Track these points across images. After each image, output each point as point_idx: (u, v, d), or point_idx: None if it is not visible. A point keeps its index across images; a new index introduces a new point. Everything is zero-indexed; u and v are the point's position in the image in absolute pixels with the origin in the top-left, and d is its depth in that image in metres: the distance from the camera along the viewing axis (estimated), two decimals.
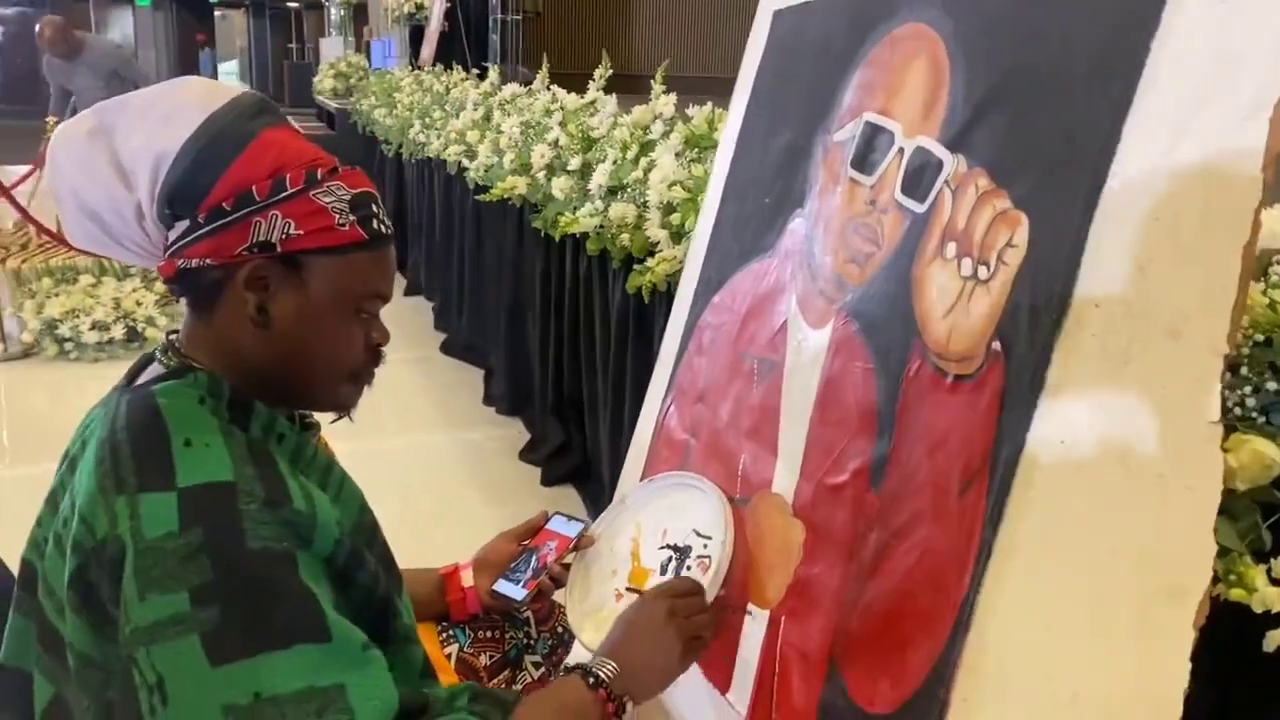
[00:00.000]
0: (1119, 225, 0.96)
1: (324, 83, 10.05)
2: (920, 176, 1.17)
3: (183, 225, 0.99)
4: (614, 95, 3.34)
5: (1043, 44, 1.06)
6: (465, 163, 4.20)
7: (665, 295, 2.44)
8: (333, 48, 12.53)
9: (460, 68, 5.98)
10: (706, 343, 1.54)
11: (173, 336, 1.08)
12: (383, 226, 1.05)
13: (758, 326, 1.41)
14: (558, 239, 3.22)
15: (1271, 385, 0.97)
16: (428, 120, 5.10)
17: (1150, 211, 0.94)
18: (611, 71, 3.44)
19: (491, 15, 7.57)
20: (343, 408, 1.10)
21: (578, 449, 3.49)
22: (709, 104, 2.62)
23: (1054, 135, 1.02)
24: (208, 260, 0.99)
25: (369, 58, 10.76)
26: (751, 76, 1.61)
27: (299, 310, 1.01)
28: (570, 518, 1.49)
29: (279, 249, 0.99)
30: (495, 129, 3.84)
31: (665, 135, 2.61)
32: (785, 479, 1.29)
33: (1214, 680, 0.92)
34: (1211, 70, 0.90)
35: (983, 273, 1.07)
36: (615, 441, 3.02)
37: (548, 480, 3.47)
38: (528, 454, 3.65)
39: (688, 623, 1.14)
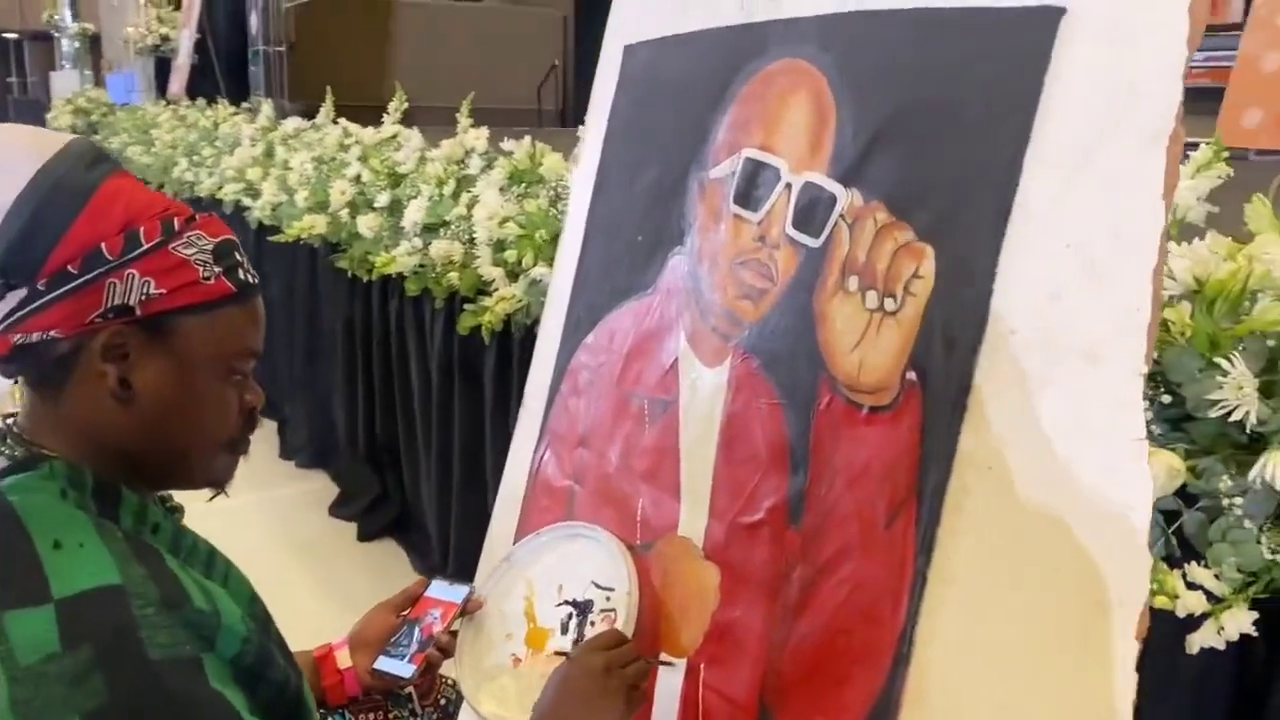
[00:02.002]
0: (1028, 254, 0.99)
1: (60, 120, 9.28)
2: (812, 211, 1.17)
3: (18, 295, 0.87)
4: (408, 127, 3.25)
5: (932, 80, 1.08)
6: (247, 201, 3.95)
7: (502, 335, 2.37)
8: (66, 82, 11.56)
9: (226, 102, 5.64)
10: (583, 384, 1.50)
11: (10, 421, 0.94)
12: (249, 276, 0.96)
13: (644, 366, 1.37)
14: (365, 280, 3.08)
15: (1165, 399, 1.03)
16: (196, 158, 4.77)
17: (1059, 240, 0.97)
18: (363, 103, 3.37)
19: (251, 47, 7.20)
20: (219, 483, 1.01)
21: (396, 499, 3.35)
22: (527, 138, 2.57)
23: (954, 168, 1.05)
24: (53, 332, 0.87)
25: (108, 92, 10.02)
26: (605, 113, 1.59)
27: (167, 378, 0.91)
28: (452, 582, 1.40)
29: (139, 312, 0.88)
30: (282, 165, 3.63)
31: (485, 169, 2.55)
32: (692, 521, 1.26)
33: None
34: (1107, 103, 0.95)
35: (890, 304, 1.08)
36: (443, 489, 2.91)
37: (365, 535, 3.31)
38: (339, 508, 3.47)
39: (624, 673, 1.10)
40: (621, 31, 1.61)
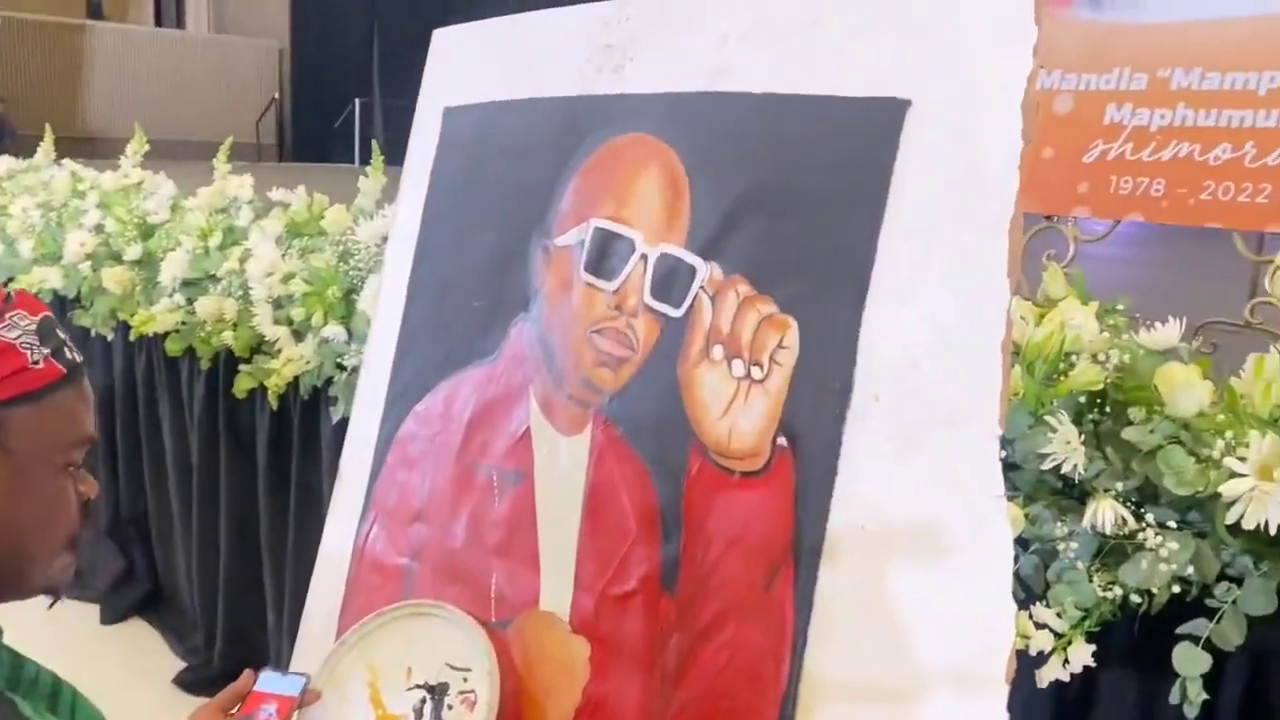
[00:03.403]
0: (888, 326, 1.06)
1: None
2: (671, 282, 1.20)
3: None
4: (108, 159, 3.02)
5: (787, 161, 1.14)
6: None
7: (289, 398, 2.24)
8: None
9: None
10: (415, 454, 1.44)
11: None
12: (75, 354, 0.88)
13: (490, 435, 1.34)
14: (108, 338, 2.82)
15: (1002, 454, 1.13)
16: None
17: (916, 313, 1.05)
18: (64, 135, 3.14)
19: None
20: (58, 587, 0.91)
21: (145, 575, 3.06)
22: (300, 188, 2.46)
23: (812, 245, 1.11)
24: None
25: None
26: (425, 174, 1.55)
27: None
28: (284, 673, 1.30)
29: None
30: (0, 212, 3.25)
31: (257, 220, 2.40)
32: (556, 595, 1.24)
33: None
34: (953, 190, 1.04)
35: (756, 373, 1.12)
36: (207, 564, 2.69)
37: (110, 617, 3.00)
38: (76, 589, 3.11)
39: None
40: (439, 92, 1.58)
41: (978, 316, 1.02)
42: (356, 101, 15.85)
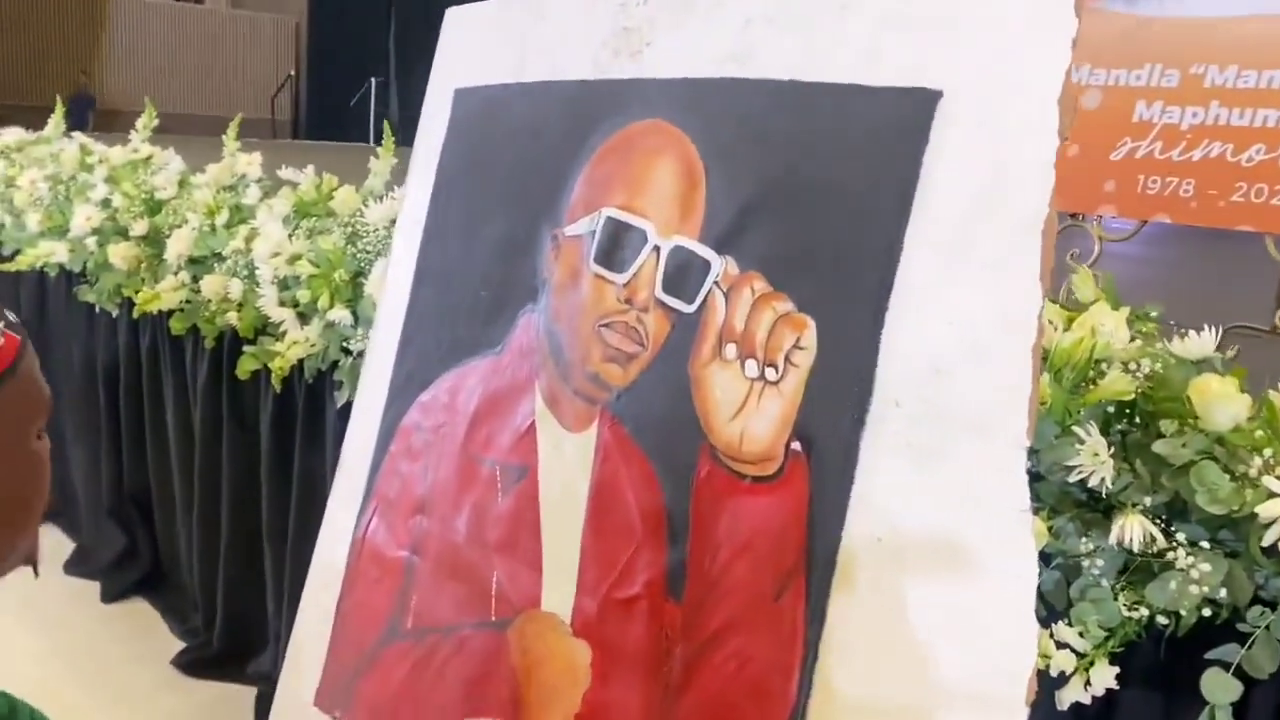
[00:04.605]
0: (911, 329, 1.01)
1: None
2: (684, 276, 1.15)
3: None
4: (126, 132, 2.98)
5: (809, 152, 1.09)
6: None
7: (293, 381, 2.20)
8: None
9: None
10: (418, 445, 1.40)
11: None
12: (13, 317, 0.85)
13: (495, 429, 1.30)
14: (113, 314, 2.78)
15: (1026, 465, 1.08)
16: None
17: (941, 316, 1.00)
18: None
19: None
20: (35, 558, 0.88)
21: (146, 554, 3.03)
22: (310, 167, 2.41)
23: (834, 242, 1.06)
24: None
25: None
26: (434, 157, 1.50)
27: None
28: None
29: None
30: (7, 183, 3.22)
31: (265, 199, 2.36)
32: (558, 596, 1.20)
33: None
34: (985, 187, 0.99)
35: (771, 374, 1.07)
36: (208, 546, 2.66)
37: (111, 595, 2.98)
38: (77, 566, 3.10)
39: None
40: (451, 73, 1.53)
41: (1008, 321, 0.97)
42: (372, 80, 15.79)
